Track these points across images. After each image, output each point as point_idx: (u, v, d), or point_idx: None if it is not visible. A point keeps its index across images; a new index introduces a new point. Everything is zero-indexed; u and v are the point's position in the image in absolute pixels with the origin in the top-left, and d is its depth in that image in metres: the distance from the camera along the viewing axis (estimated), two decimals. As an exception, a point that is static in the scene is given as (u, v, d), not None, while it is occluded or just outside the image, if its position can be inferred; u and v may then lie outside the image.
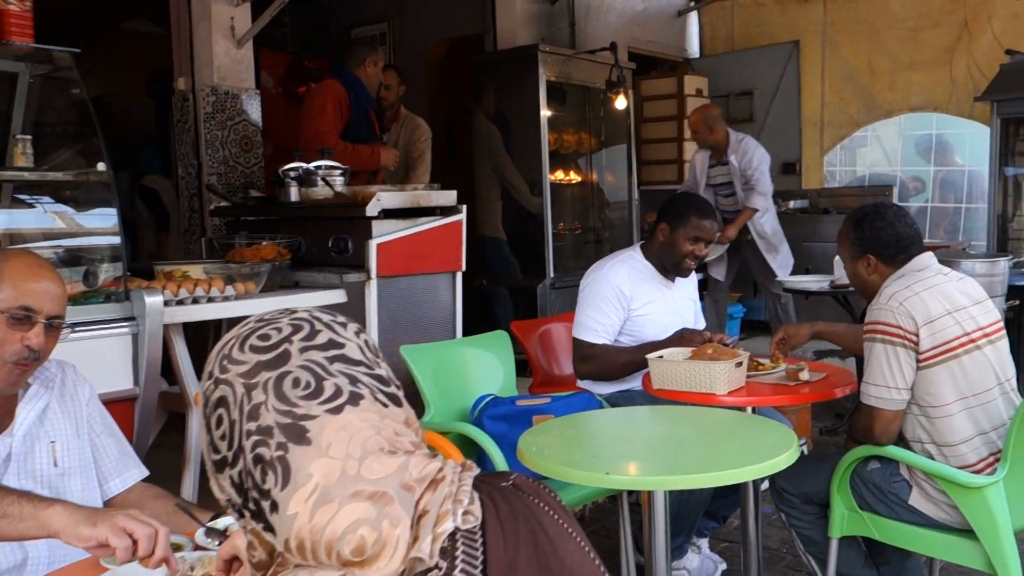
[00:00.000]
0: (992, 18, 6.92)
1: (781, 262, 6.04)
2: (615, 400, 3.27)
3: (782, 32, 7.87)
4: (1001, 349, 2.54)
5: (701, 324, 3.59)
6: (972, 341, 2.46)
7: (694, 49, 8.47)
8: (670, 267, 3.35)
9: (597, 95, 6.35)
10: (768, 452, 2.17)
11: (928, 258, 2.61)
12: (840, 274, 5.42)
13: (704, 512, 3.24)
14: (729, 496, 3.12)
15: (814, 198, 7.42)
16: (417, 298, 3.53)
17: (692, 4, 8.29)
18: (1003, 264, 4.77)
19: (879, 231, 2.62)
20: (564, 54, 6.08)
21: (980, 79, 6.74)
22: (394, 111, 5.25)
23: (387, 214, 3.37)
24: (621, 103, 6.10)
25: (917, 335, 2.42)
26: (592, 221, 6.68)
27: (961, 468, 2.43)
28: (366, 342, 0.98)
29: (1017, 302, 5.02)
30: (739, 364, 2.80)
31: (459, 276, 3.66)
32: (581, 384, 3.39)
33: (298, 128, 4.50)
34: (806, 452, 4.62)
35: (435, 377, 3.07)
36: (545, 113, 5.84)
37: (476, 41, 6.63)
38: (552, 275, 5.81)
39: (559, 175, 6.40)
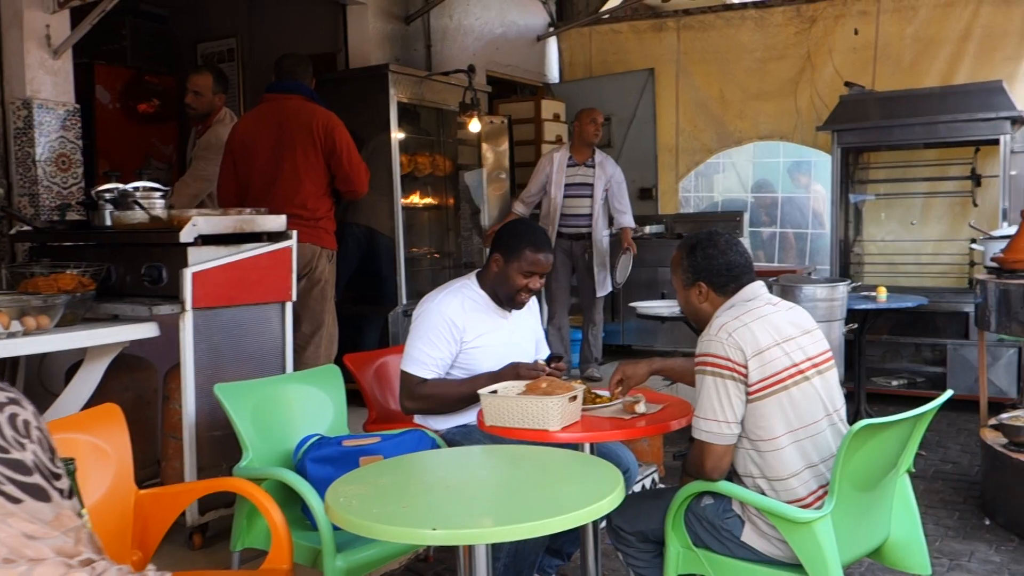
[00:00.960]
0: (833, 51, 7.21)
1: (602, 280, 6.09)
2: (452, 437, 3.12)
3: (638, 59, 7.98)
4: (830, 380, 2.52)
5: (544, 354, 3.49)
6: (801, 372, 2.43)
7: (554, 74, 8.49)
8: (504, 299, 3.23)
9: (452, 118, 6.23)
10: (593, 495, 2.05)
11: (758, 287, 2.57)
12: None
13: (547, 549, 3.12)
14: (572, 532, 3.00)
15: (669, 223, 7.52)
16: (243, 331, 3.28)
17: (551, 30, 8.32)
18: (842, 289, 4.89)
19: (711, 259, 2.57)
20: (417, 75, 5.94)
21: (822, 109, 7.01)
22: (205, 125, 4.78)
23: (207, 240, 3.12)
24: (475, 126, 6.00)
25: (746, 367, 2.37)
26: (448, 246, 6.53)
27: (792, 502, 2.39)
28: (11, 417, 0.78)
29: (856, 325, 5.16)
30: (573, 398, 2.70)
31: (289, 306, 3.43)
32: (418, 421, 3.23)
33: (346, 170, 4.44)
34: (657, 479, 4.60)
35: (255, 417, 2.84)
36: (397, 135, 5.68)
37: (329, 60, 6.41)
38: (405, 302, 5.63)
39: (414, 199, 6.24)
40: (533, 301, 3.42)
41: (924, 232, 6.86)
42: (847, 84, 6.62)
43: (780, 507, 2.35)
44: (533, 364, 3.10)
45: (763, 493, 2.42)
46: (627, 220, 6.15)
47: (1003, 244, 4.31)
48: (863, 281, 6.72)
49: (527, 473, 2.33)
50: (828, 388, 2.50)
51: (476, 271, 3.32)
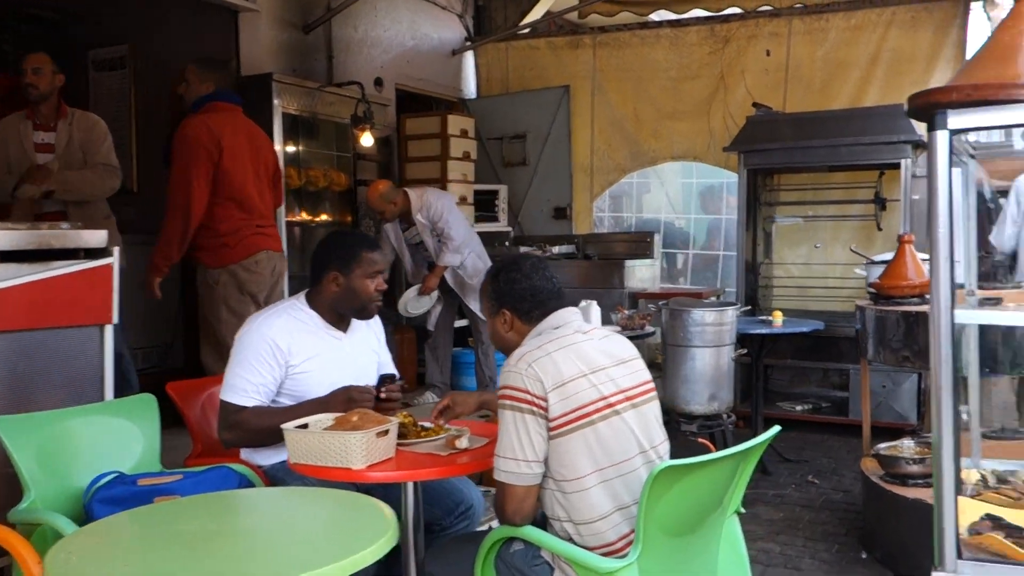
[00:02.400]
0: (746, 72, 7.14)
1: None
2: (276, 473, 2.90)
3: (555, 76, 7.86)
4: (647, 413, 2.35)
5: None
6: (611, 406, 2.25)
7: (471, 90, 8.34)
8: (354, 313, 3.03)
9: (350, 131, 6.03)
10: (355, 545, 1.84)
11: (568, 314, 2.39)
12: (597, 321, 5.33)
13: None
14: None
15: (581, 244, 7.38)
16: (52, 357, 3.03)
17: (467, 44, 8.16)
18: (731, 313, 4.76)
19: (514, 283, 2.40)
20: (307, 86, 5.74)
21: (735, 130, 6.92)
22: (52, 105, 4.41)
23: (7, 256, 2.87)
24: (367, 140, 5.81)
25: (546, 400, 2.18)
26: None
27: (601, 547, 2.21)
28: None
29: (745, 350, 5.03)
30: (383, 433, 2.49)
31: (109, 329, 3.18)
32: (244, 455, 3.00)
33: None
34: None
35: (42, 453, 2.59)
36: (285, 148, 5.46)
37: (223, 67, 6.17)
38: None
39: (304, 215, 6.02)
40: (376, 319, 3.22)
41: (833, 255, 6.79)
42: (755, 105, 6.55)
43: (582, 555, 2.16)
44: (367, 388, 2.88)
45: (571, 537, 2.23)
46: (443, 259, 5.72)
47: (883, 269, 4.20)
48: (771, 304, 6.63)
49: (297, 520, 2.12)
50: (644, 423, 2.32)
51: (304, 291, 3.11)
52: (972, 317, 1.78)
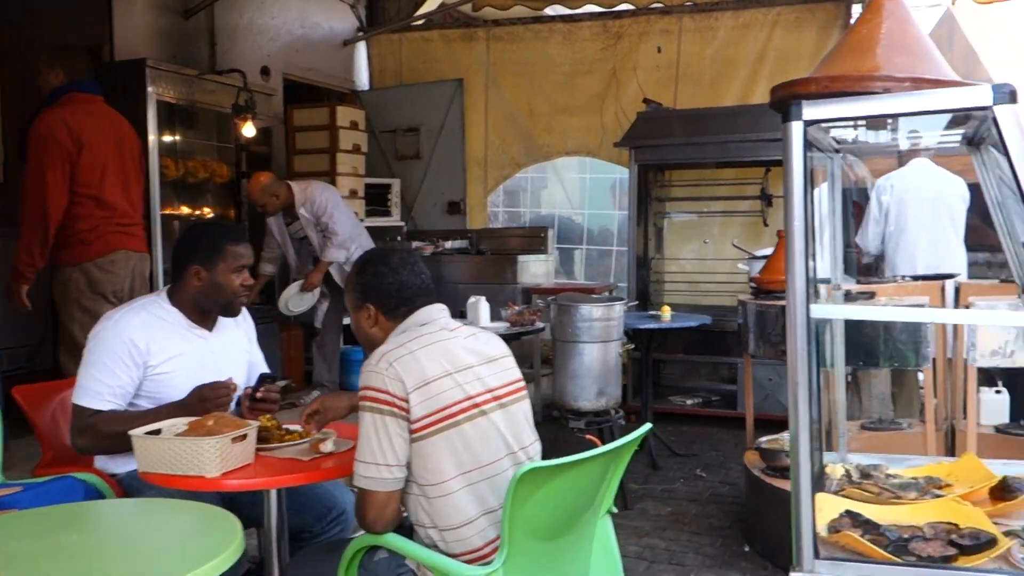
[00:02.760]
0: (637, 68, 7.17)
1: None
2: (131, 482, 2.71)
3: (448, 69, 7.75)
4: (516, 413, 2.27)
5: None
6: (477, 406, 2.17)
7: (363, 81, 8.15)
8: (219, 310, 2.86)
9: (231, 121, 5.80)
10: (196, 559, 1.71)
11: (435, 311, 2.30)
12: (473, 317, 5.25)
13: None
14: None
15: (475, 239, 7.30)
16: None
17: (360, 35, 7.98)
18: (619, 308, 4.73)
19: (380, 278, 2.29)
20: (185, 73, 5.48)
21: (627, 125, 6.93)
22: None
23: None
24: (249, 130, 5.59)
25: (407, 401, 2.08)
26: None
27: (467, 554, 2.12)
28: None
29: (632, 345, 5.03)
30: (241, 438, 2.35)
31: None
32: (98, 463, 2.80)
33: None
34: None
35: None
36: (161, 137, 5.20)
37: (95, 53, 5.85)
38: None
39: (184, 208, 5.76)
40: (245, 317, 3.06)
41: (722, 251, 6.88)
42: (645, 101, 6.58)
43: (446, 563, 2.07)
44: (220, 384, 2.70)
45: (435, 544, 2.14)
46: (327, 254, 5.58)
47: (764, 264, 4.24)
48: (663, 299, 6.68)
49: (135, 535, 1.96)
50: (513, 423, 2.25)
51: (166, 287, 2.92)
52: (827, 312, 1.76)
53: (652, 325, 5.28)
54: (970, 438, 3.45)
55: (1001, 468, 2.05)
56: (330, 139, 6.73)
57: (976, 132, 1.91)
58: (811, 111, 1.53)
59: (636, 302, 6.03)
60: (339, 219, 5.57)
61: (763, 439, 4.09)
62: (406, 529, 2.24)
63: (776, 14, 6.74)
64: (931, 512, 1.73)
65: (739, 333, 4.32)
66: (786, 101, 1.65)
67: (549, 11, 7.84)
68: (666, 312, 5.36)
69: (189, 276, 2.82)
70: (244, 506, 2.78)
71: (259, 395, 2.81)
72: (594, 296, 5.19)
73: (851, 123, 1.99)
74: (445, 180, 7.71)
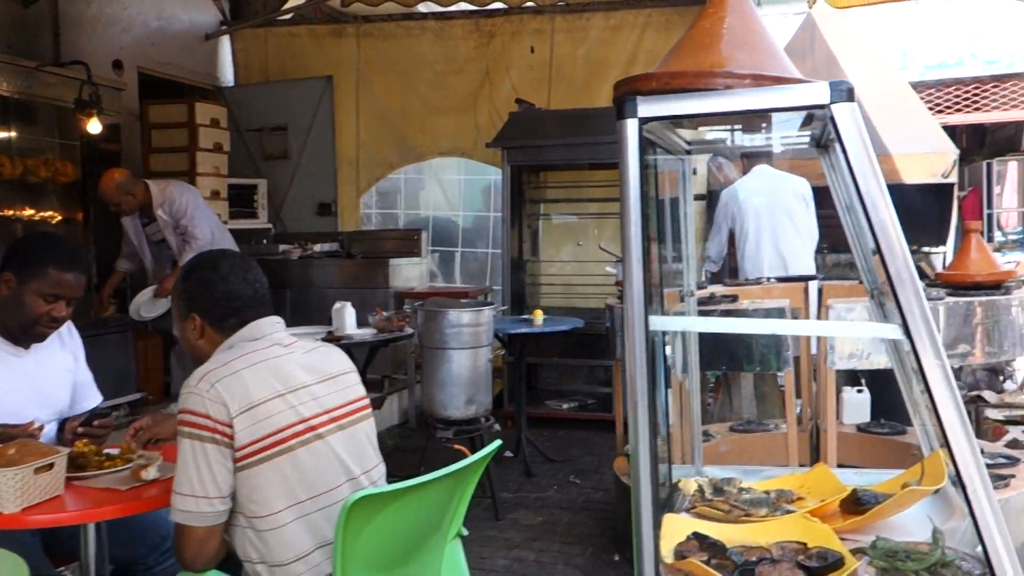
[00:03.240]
0: (510, 68, 7.09)
1: None
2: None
3: (317, 65, 7.49)
4: (357, 435, 2.09)
5: (93, 401, 2.84)
6: (312, 429, 1.99)
7: (228, 77, 7.79)
8: (18, 330, 2.57)
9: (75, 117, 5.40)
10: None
11: (268, 324, 2.10)
12: (339, 324, 5.03)
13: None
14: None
15: (346, 241, 7.06)
16: None
17: (223, 28, 7.62)
18: (487, 313, 4.61)
19: (208, 286, 2.07)
20: (22, 65, 5.07)
21: (500, 125, 6.82)
22: None
23: None
24: (95, 126, 5.22)
25: (231, 426, 1.88)
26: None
27: (299, 591, 1.94)
28: None
29: (504, 351, 4.92)
30: (46, 467, 2.10)
31: None
32: None
33: None
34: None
35: None
36: (-8, 134, 4.80)
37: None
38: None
39: (27, 209, 5.34)
40: (70, 333, 2.78)
41: (597, 253, 6.85)
42: (518, 101, 6.50)
43: (271, 602, 1.88)
44: (20, 428, 2.41)
45: (264, 582, 1.95)
46: (184, 259, 5.18)
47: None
48: (539, 302, 6.59)
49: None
50: (354, 445, 2.07)
51: None
52: (665, 324, 1.67)
53: (524, 329, 5.18)
54: (831, 439, 3.47)
55: (853, 478, 2.00)
56: (189, 137, 6.38)
57: (823, 133, 1.86)
58: (646, 108, 1.42)
59: (505, 307, 5.94)
60: (200, 222, 5.25)
61: (628, 447, 4.03)
62: (233, 565, 2.04)
63: (647, 16, 6.76)
64: (780, 530, 1.66)
65: (608, 337, 4.25)
66: (625, 98, 1.54)
67: (422, 7, 7.67)
68: (538, 316, 5.28)
69: (1, 283, 2.54)
70: (65, 539, 2.52)
71: (80, 431, 2.54)
72: (463, 301, 5.05)
73: (728, 126, 1.92)
74: (315, 181, 7.44)
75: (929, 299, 3.30)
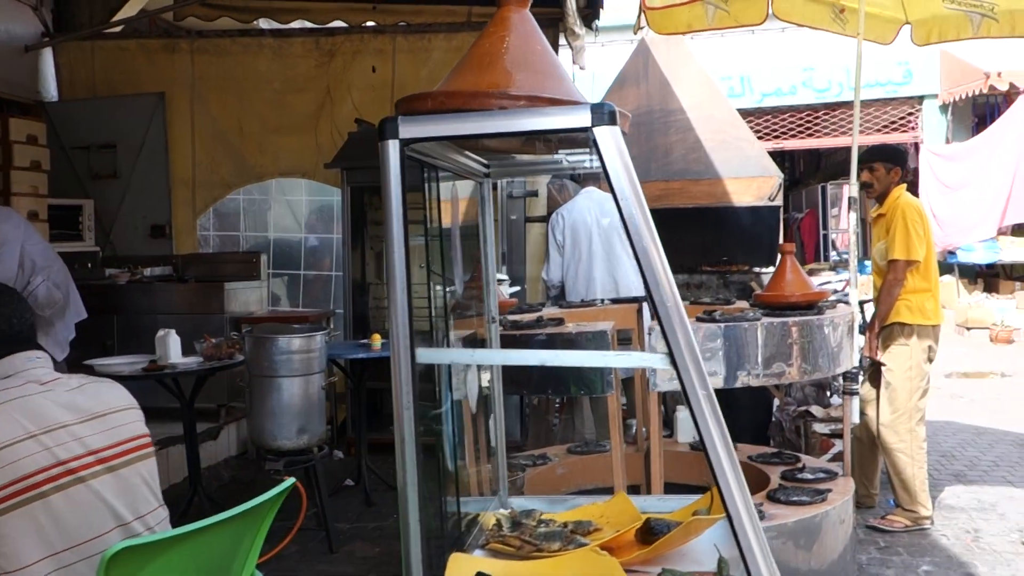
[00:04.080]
0: (352, 88, 6.96)
1: (56, 339, 4.99)
2: None
3: (148, 81, 7.14)
4: (131, 477, 1.93)
5: None
6: (72, 472, 1.82)
7: (52, 92, 7.33)
8: None
9: None
10: None
11: (22, 361, 1.91)
12: (162, 352, 4.76)
13: None
14: None
15: (180, 265, 6.73)
16: None
17: (45, 40, 7.17)
18: (319, 339, 4.46)
19: None
20: None
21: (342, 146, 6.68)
22: None
23: None
24: None
25: (-29, 473, 1.70)
26: None
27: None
28: None
29: (336, 378, 4.77)
30: None
31: None
32: None
33: None
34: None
35: None
36: None
37: None
38: None
39: None
40: None
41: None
42: (357, 121, 6.37)
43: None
44: None
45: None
46: None
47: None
48: (382, 327, 6.46)
49: None
50: (127, 489, 1.91)
51: None
52: (432, 356, 1.60)
53: (363, 355, 5.04)
54: (655, 460, 3.49)
55: (655, 504, 1.99)
56: (3, 155, 5.94)
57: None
58: (408, 129, 1.36)
59: (338, 332, 5.79)
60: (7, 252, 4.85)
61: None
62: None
63: (488, 38, 6.77)
64: (569, 566, 1.61)
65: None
66: (386, 120, 1.47)
67: (262, 23, 7.46)
68: (377, 340, 5.15)
69: None
70: None
71: None
72: (295, 326, 4.86)
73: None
74: (148, 201, 7.07)
75: (748, 320, 3.39)
